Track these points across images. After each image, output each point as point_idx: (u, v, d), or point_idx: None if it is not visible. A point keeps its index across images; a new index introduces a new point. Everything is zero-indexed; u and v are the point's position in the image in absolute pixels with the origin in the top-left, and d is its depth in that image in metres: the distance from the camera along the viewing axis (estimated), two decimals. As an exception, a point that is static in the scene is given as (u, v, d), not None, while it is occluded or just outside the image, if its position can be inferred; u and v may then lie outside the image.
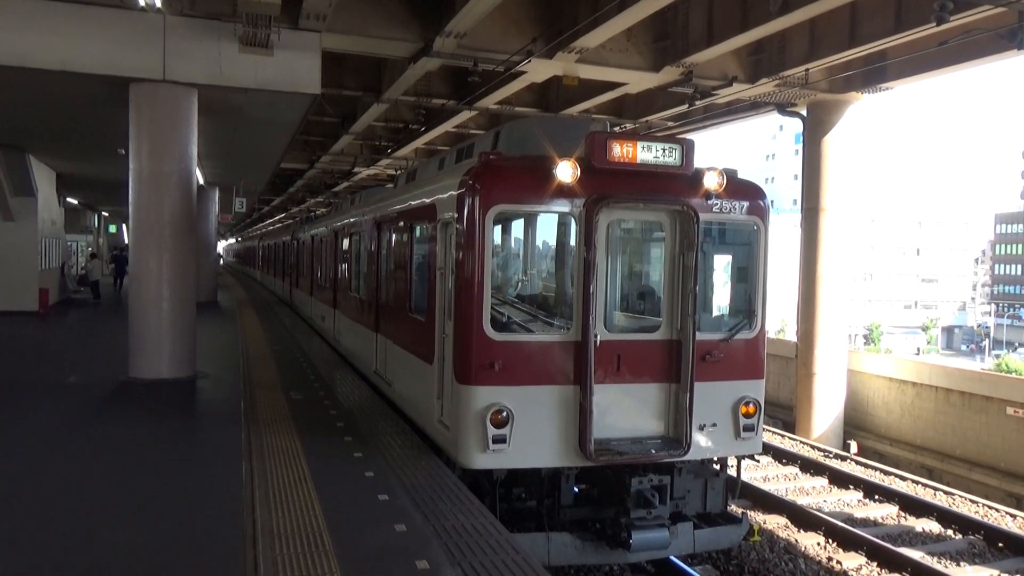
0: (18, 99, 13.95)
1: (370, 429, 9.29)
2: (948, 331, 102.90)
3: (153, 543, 5.75)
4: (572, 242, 7.69)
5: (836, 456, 15.79)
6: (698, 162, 7.85)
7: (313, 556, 5.46)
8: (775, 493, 12.53)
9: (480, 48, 14.50)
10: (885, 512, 12.24)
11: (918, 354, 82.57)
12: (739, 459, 8.59)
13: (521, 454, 7.40)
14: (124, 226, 44.30)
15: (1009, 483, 15.89)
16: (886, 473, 14.46)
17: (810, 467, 14.49)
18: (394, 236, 10.83)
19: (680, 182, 7.78)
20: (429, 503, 6.67)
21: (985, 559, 10.41)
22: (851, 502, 12.77)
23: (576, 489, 7.92)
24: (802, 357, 20.01)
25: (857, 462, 15.32)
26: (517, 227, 8.48)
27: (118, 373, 12.20)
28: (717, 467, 8.51)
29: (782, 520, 11.36)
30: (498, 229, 7.82)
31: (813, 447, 16.68)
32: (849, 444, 18.91)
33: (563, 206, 7.52)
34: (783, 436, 17.74)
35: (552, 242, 8.44)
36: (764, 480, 13.75)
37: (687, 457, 7.74)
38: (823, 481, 13.82)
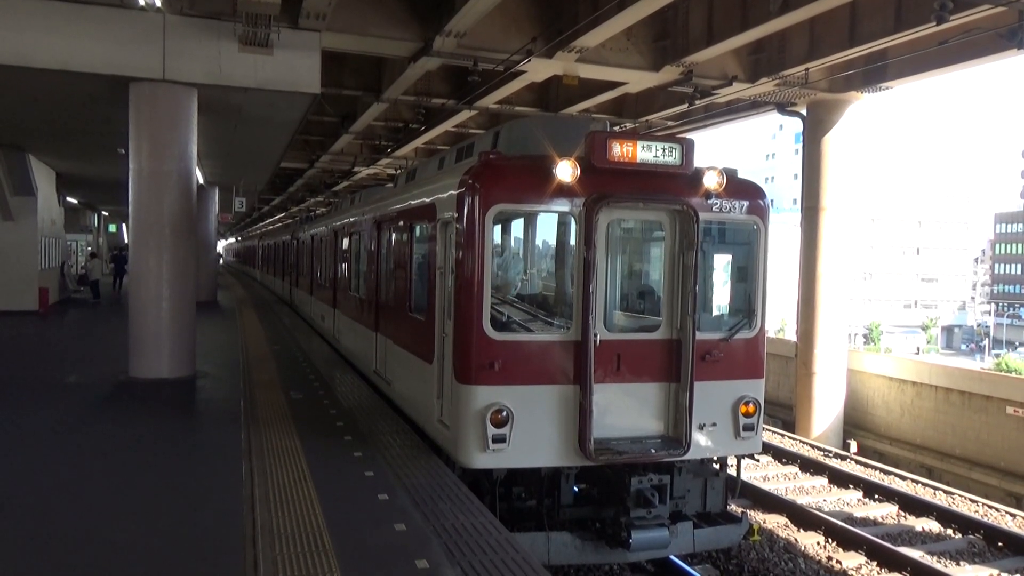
0: (18, 98, 13.94)
1: (370, 428, 9.29)
2: (948, 330, 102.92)
3: (153, 543, 5.75)
4: (572, 242, 7.69)
5: (836, 455, 15.79)
6: (698, 161, 7.85)
7: (313, 555, 5.46)
8: (775, 492, 12.54)
9: (480, 47, 14.50)
10: (885, 511, 12.24)
11: (918, 353, 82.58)
12: (739, 458, 8.59)
13: (521, 453, 7.40)
14: (124, 225, 44.31)
15: (1009, 482, 15.89)
16: (886, 472, 14.46)
17: (810, 466, 14.49)
18: (394, 236, 10.83)
19: (680, 182, 7.78)
20: (429, 502, 6.67)
21: (985, 558, 10.41)
22: (851, 501, 12.78)
23: (576, 488, 7.92)
24: (802, 356, 20.02)
25: (857, 461, 15.32)
26: (517, 227, 8.49)
27: (118, 372, 12.20)
28: (717, 466, 8.51)
29: (782, 519, 11.36)
30: (498, 229, 7.83)
31: (813, 446, 16.68)
32: (849, 443, 18.91)
33: (563, 206, 7.52)
34: (783, 435, 17.74)
35: (552, 242, 8.44)
36: (764, 479, 13.76)
37: (687, 456, 7.74)
38: (823, 480, 13.82)
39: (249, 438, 8.59)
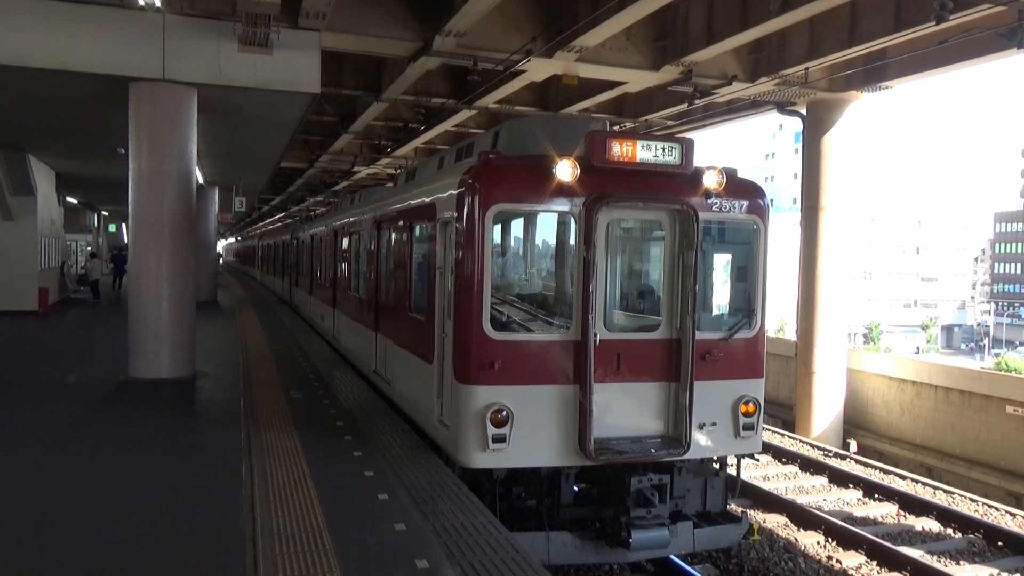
0: (17, 98, 13.94)
1: (370, 428, 9.29)
2: (948, 330, 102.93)
3: (153, 542, 5.75)
4: (572, 241, 7.69)
5: (836, 455, 15.79)
6: (698, 161, 7.85)
7: (313, 555, 5.46)
8: (775, 492, 12.54)
9: (480, 47, 14.49)
10: (885, 511, 12.24)
11: (918, 353, 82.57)
12: (739, 458, 8.59)
13: (521, 453, 7.40)
14: (124, 225, 44.30)
15: (1009, 482, 15.90)
16: (886, 472, 14.47)
17: (810, 466, 14.49)
18: (394, 235, 10.83)
19: (680, 181, 7.78)
20: (429, 502, 6.67)
21: (985, 558, 10.42)
22: (851, 501, 12.78)
23: (576, 488, 7.92)
24: (802, 356, 20.02)
25: (857, 461, 15.32)
26: (517, 226, 8.49)
27: (118, 372, 12.20)
28: (717, 466, 8.52)
29: (782, 519, 11.36)
30: (498, 228, 7.82)
31: (813, 446, 16.69)
32: (849, 443, 18.92)
33: (563, 205, 7.52)
34: (783, 435, 17.75)
35: (552, 241, 8.44)
36: (764, 479, 13.76)
37: (687, 456, 7.74)
38: (823, 480, 13.82)
39: (249, 438, 8.59)
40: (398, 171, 21.56)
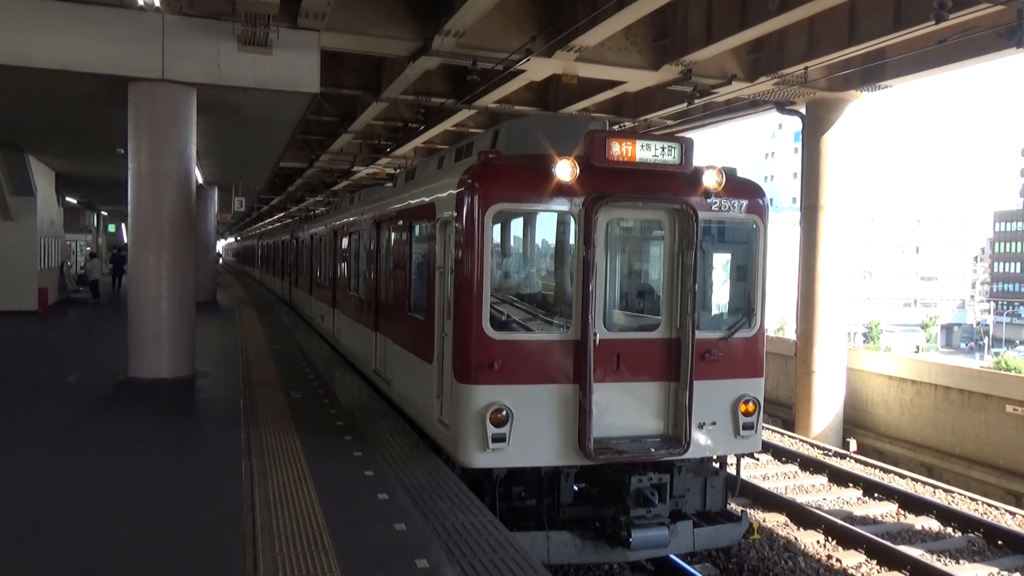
0: (17, 98, 13.93)
1: (370, 428, 9.30)
2: (947, 329, 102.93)
3: (152, 543, 5.75)
4: (571, 241, 7.69)
5: (835, 454, 15.80)
6: (697, 160, 7.86)
7: (313, 555, 5.46)
8: (775, 491, 12.55)
9: (479, 47, 14.49)
10: (884, 510, 12.25)
11: (917, 352, 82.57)
12: (738, 457, 8.59)
13: (521, 453, 7.40)
14: (123, 225, 44.29)
15: (1008, 481, 15.90)
16: (885, 471, 14.47)
17: (809, 465, 14.50)
18: (393, 235, 10.83)
19: (679, 181, 7.78)
20: (429, 502, 6.67)
21: (984, 557, 10.42)
22: (850, 500, 12.78)
23: (576, 488, 7.92)
24: (801, 355, 20.02)
25: (856, 460, 15.33)
26: (516, 226, 8.48)
27: (117, 372, 12.20)
28: (717, 465, 8.52)
29: (782, 518, 11.36)
30: (497, 228, 7.82)
31: (812, 445, 16.69)
32: (848, 442, 18.92)
33: (562, 205, 7.52)
34: (782, 434, 17.75)
35: (551, 241, 8.44)
36: (764, 478, 13.77)
37: (686, 455, 7.74)
38: (822, 479, 13.83)
39: (249, 438, 8.59)
40: (398, 171, 21.56)
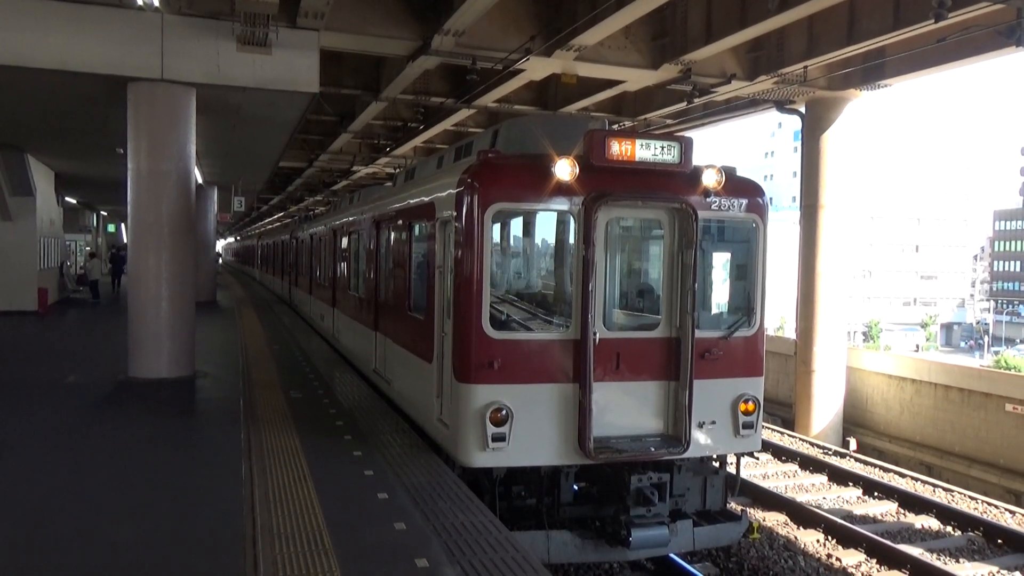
0: (16, 98, 13.93)
1: (369, 428, 9.30)
2: (947, 328, 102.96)
3: (152, 543, 5.75)
4: (571, 240, 7.69)
5: (835, 453, 15.80)
6: (697, 160, 7.85)
7: (313, 555, 5.46)
8: (774, 490, 12.54)
9: (479, 46, 14.49)
10: (884, 509, 12.25)
11: (917, 351, 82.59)
12: (738, 456, 8.59)
13: (520, 452, 7.40)
14: (123, 225, 44.28)
15: (1008, 479, 15.91)
16: (885, 470, 14.47)
17: (809, 464, 14.50)
18: (393, 235, 10.83)
19: (679, 180, 7.78)
20: (429, 501, 6.67)
21: (984, 556, 10.42)
22: (850, 499, 12.79)
23: (576, 487, 7.92)
24: (801, 354, 20.03)
25: (856, 459, 15.33)
26: (516, 225, 8.48)
27: (117, 372, 12.20)
28: (716, 465, 8.52)
29: (781, 517, 11.36)
30: (497, 227, 7.82)
31: (812, 444, 16.69)
32: (848, 441, 18.94)
33: (562, 204, 7.52)
34: (782, 433, 17.75)
35: (551, 240, 8.43)
36: (763, 477, 13.77)
37: (686, 455, 7.74)
38: (822, 478, 13.83)
39: (249, 438, 8.59)
40: (397, 170, 21.56)
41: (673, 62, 15.71)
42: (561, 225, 8.00)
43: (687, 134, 13.39)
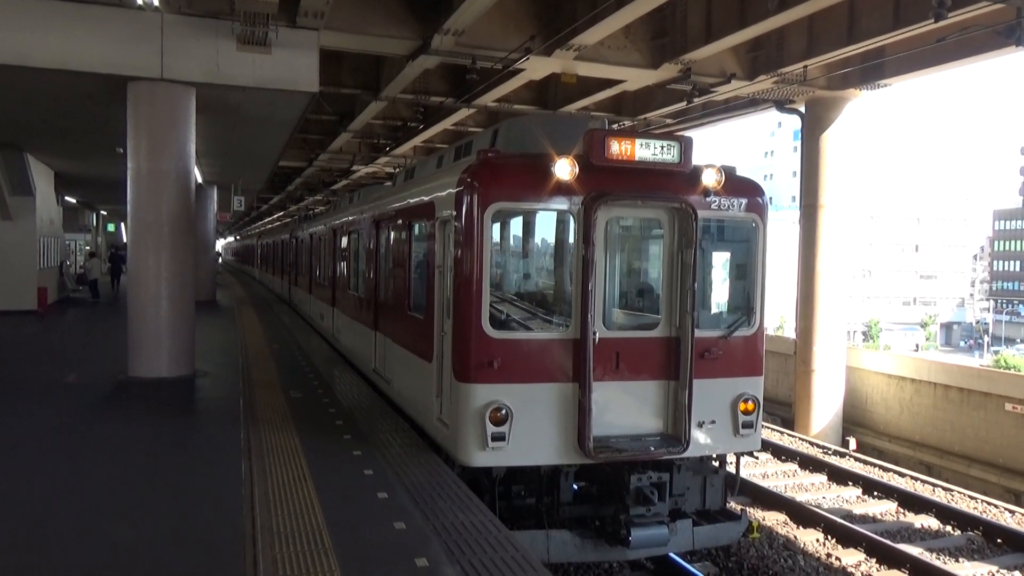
0: (16, 98, 13.93)
1: (369, 427, 9.30)
2: (947, 327, 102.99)
3: (152, 542, 5.75)
4: (571, 240, 7.69)
5: (835, 453, 15.80)
6: (696, 159, 7.85)
7: (312, 554, 5.46)
8: (774, 490, 12.55)
9: (478, 46, 14.50)
10: (884, 508, 12.25)
11: (917, 350, 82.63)
12: (738, 456, 8.59)
13: (520, 452, 7.40)
14: (123, 225, 44.28)
15: (1008, 479, 15.92)
16: (885, 469, 14.48)
17: (809, 464, 14.50)
18: (393, 234, 10.83)
19: (678, 179, 7.78)
20: (428, 501, 6.67)
21: (984, 555, 10.43)
22: (850, 498, 12.79)
23: (575, 487, 7.92)
24: (801, 354, 20.03)
25: (856, 458, 15.33)
26: (516, 225, 8.48)
27: (117, 372, 12.19)
28: (716, 464, 8.52)
29: (781, 517, 11.37)
30: (497, 227, 7.82)
31: (812, 444, 16.69)
32: (848, 441, 18.94)
33: (562, 204, 7.52)
34: (782, 433, 17.75)
35: (551, 240, 8.44)
36: (763, 477, 13.77)
37: (686, 454, 7.74)
38: (822, 478, 13.83)
39: (248, 437, 8.59)
40: (397, 170, 21.56)
41: (673, 62, 15.72)
42: (561, 225, 8.01)
43: (687, 134, 13.43)
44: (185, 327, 12.28)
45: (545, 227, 8.39)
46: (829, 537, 10.64)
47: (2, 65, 11.10)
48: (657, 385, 7.85)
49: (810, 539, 10.59)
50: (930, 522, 11.58)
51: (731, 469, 8.67)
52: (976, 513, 11.77)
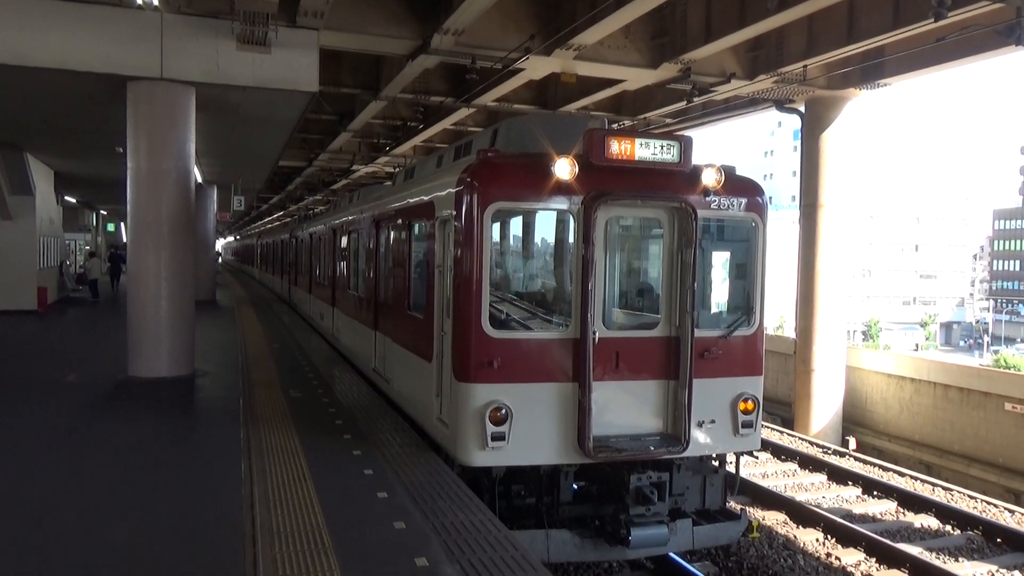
0: (15, 97, 13.93)
1: (369, 427, 9.30)
2: (947, 327, 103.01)
3: (152, 542, 5.76)
4: (571, 239, 7.69)
5: (835, 452, 15.80)
6: (696, 159, 7.85)
7: (312, 554, 5.46)
8: (774, 489, 12.55)
9: (478, 45, 14.50)
10: (884, 508, 12.25)
11: (916, 350, 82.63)
12: (738, 455, 8.59)
13: (520, 451, 7.40)
14: (122, 224, 44.27)
15: (1007, 479, 15.92)
16: (884, 469, 14.48)
17: (809, 463, 14.51)
18: (393, 234, 10.83)
19: (678, 179, 7.78)
20: (428, 500, 6.67)
21: (983, 555, 10.43)
22: (850, 498, 12.79)
23: (575, 486, 7.92)
24: (801, 354, 20.04)
25: (856, 458, 15.33)
26: (516, 224, 8.48)
27: (117, 372, 12.20)
28: (716, 464, 8.52)
29: (781, 516, 11.37)
30: (496, 227, 7.82)
31: (812, 443, 16.69)
32: (848, 440, 18.94)
33: (561, 203, 7.52)
34: (782, 432, 17.75)
35: (551, 239, 8.44)
36: (763, 476, 13.77)
37: (686, 454, 7.74)
38: (822, 477, 13.84)
39: (248, 437, 8.59)
40: (397, 170, 21.56)
41: (672, 61, 15.72)
42: (561, 224, 8.00)
43: (687, 133, 13.42)
44: (185, 327, 12.28)
45: (545, 227, 8.39)
46: (829, 537, 10.64)
47: (2, 65, 11.10)
48: (657, 385, 7.85)
49: (810, 539, 10.59)
50: (930, 522, 11.59)
51: (731, 469, 8.67)
52: (976, 513, 11.78)
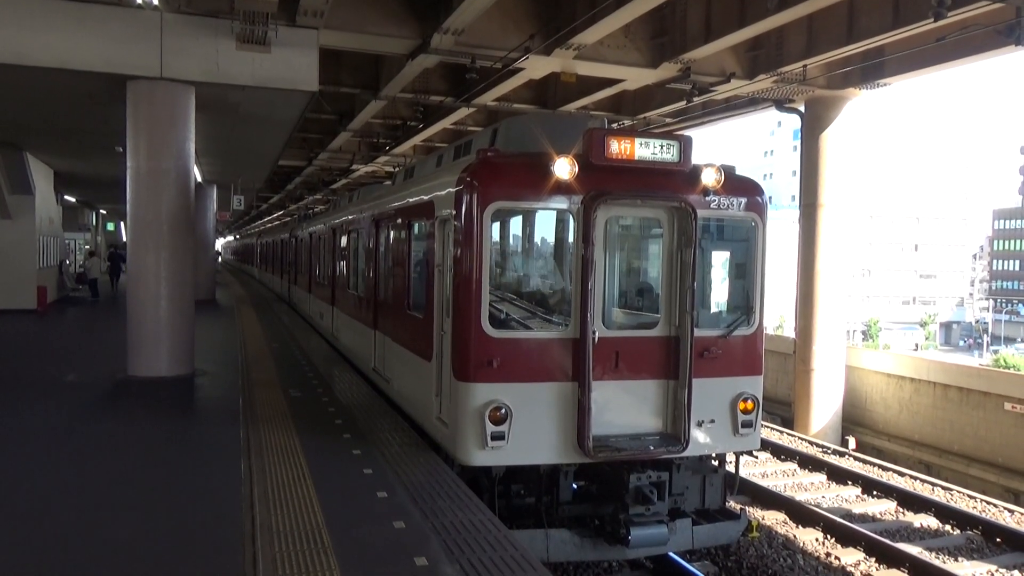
0: (15, 97, 13.93)
1: (369, 426, 9.30)
2: (946, 327, 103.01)
3: (152, 541, 5.75)
4: (570, 239, 7.69)
5: (834, 452, 15.81)
6: (696, 158, 7.85)
7: (312, 553, 5.46)
8: (773, 489, 12.55)
9: (478, 45, 14.50)
10: (883, 508, 12.26)
11: (916, 350, 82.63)
12: (737, 455, 8.60)
13: (520, 451, 7.40)
14: (122, 224, 44.26)
15: (1007, 478, 15.93)
16: (884, 469, 14.48)
17: (808, 463, 14.51)
18: (392, 233, 10.83)
19: (678, 179, 7.78)
20: (428, 500, 6.67)
21: (983, 554, 10.43)
22: (849, 498, 12.79)
23: (575, 486, 7.92)
24: (800, 353, 20.04)
25: (855, 458, 15.34)
26: (515, 224, 8.48)
27: (116, 371, 12.20)
28: (716, 463, 8.52)
29: (780, 516, 11.37)
30: (496, 226, 7.82)
31: (811, 443, 16.69)
32: (847, 440, 18.95)
33: (561, 203, 7.52)
34: (781, 432, 17.75)
35: (550, 239, 8.44)
36: (763, 476, 13.77)
37: (685, 453, 7.74)
38: (821, 477, 13.84)
39: (248, 436, 8.59)
40: (396, 169, 21.56)
41: (672, 61, 15.72)
42: (560, 224, 8.01)
43: (686, 133, 13.42)
44: (184, 326, 12.28)
45: (545, 226, 8.38)
46: (828, 536, 10.64)
47: (2, 64, 11.10)
48: (656, 384, 7.85)
49: (809, 538, 10.59)
50: (929, 521, 11.59)
51: (730, 468, 8.67)
52: (975, 512, 11.78)
